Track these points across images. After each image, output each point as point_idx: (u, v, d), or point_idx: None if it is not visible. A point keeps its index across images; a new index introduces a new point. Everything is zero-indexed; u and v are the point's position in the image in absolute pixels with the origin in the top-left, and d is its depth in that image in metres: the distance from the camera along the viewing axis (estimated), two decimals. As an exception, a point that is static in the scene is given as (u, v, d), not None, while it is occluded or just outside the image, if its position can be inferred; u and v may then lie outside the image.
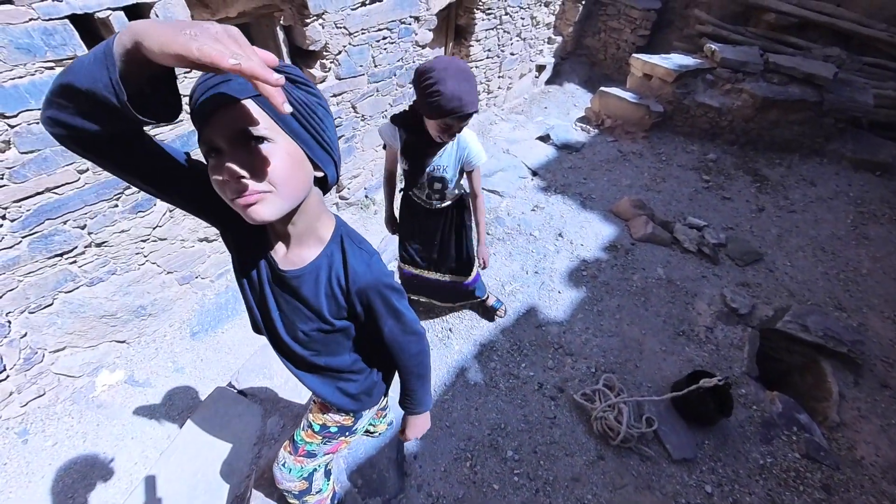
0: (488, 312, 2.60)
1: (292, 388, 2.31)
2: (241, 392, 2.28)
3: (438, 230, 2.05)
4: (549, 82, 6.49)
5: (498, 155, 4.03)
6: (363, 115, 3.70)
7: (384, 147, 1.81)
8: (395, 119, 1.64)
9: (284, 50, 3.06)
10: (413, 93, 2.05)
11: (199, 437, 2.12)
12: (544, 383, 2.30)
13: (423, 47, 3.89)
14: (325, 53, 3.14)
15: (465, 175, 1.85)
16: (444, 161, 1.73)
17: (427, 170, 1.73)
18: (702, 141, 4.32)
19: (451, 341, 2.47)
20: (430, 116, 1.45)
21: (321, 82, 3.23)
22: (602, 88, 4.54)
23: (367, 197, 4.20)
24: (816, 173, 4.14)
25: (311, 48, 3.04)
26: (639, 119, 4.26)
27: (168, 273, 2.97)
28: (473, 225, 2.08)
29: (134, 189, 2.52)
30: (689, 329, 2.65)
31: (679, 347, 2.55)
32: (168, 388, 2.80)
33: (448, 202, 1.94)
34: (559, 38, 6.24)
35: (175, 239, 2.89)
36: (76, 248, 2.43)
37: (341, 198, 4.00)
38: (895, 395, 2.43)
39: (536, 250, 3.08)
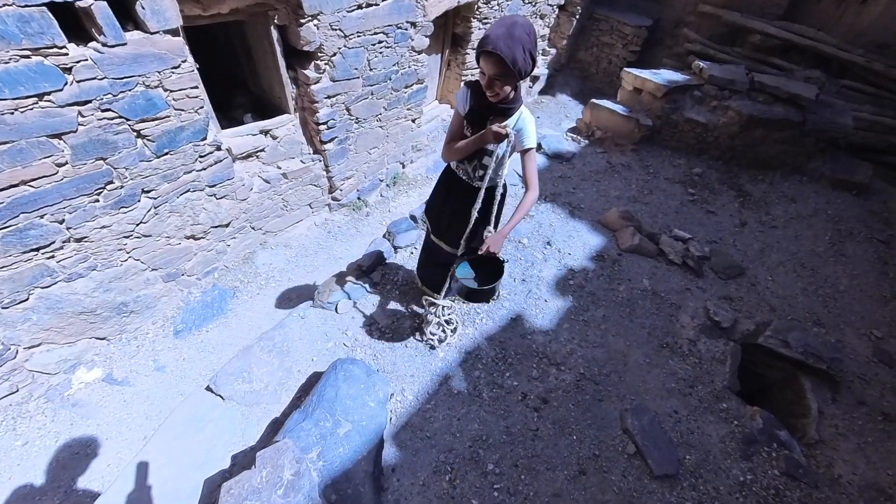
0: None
1: (272, 393, 2.17)
2: (219, 396, 2.14)
3: (471, 208, 1.80)
4: (542, 93, 6.40)
5: (490, 162, 3.91)
6: (357, 118, 3.56)
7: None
8: (470, 82, 1.59)
9: (278, 49, 2.91)
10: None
11: (172, 443, 1.97)
12: (528, 394, 2.19)
13: (419, 53, 3.77)
14: (319, 55, 2.99)
15: (519, 160, 1.70)
16: (503, 146, 1.64)
17: None
18: (688, 155, 4.26)
19: (437, 349, 2.35)
20: (478, 61, 1.43)
21: (315, 83, 3.09)
22: (593, 100, 4.45)
23: (359, 199, 4.06)
24: (797, 191, 4.09)
25: (306, 49, 2.90)
26: (628, 132, 4.18)
27: (152, 270, 2.81)
28: (496, 215, 1.89)
29: (117, 184, 2.36)
30: (673, 341, 2.56)
31: (663, 360, 2.45)
32: (147, 387, 2.64)
33: (488, 184, 1.72)
34: (553, 51, 6.16)
35: (160, 236, 2.73)
36: (54, 242, 2.26)
37: (333, 199, 3.86)
38: (871, 413, 2.36)
39: (525, 258, 2.97)
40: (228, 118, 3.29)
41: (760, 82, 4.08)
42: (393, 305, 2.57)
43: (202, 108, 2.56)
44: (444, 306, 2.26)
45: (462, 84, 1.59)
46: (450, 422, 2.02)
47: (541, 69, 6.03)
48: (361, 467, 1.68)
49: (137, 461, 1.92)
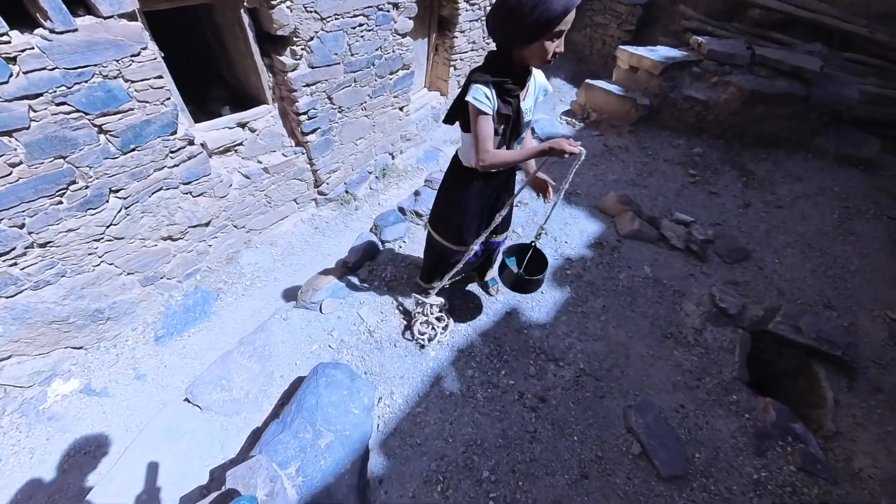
0: (485, 287, 2.45)
1: (253, 401, 2.03)
2: (196, 406, 2.00)
3: (503, 186, 1.76)
4: (535, 77, 6.17)
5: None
6: (340, 107, 3.37)
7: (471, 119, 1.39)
8: (481, 78, 1.33)
9: (251, 34, 2.72)
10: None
11: (147, 458, 1.83)
12: (525, 393, 2.04)
13: (404, 36, 3.56)
14: (295, 39, 2.80)
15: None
16: (529, 103, 1.48)
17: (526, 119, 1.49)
18: (688, 135, 4.06)
19: (427, 347, 2.20)
20: (539, 35, 1.20)
21: (292, 70, 2.90)
22: (588, 81, 4.25)
23: (347, 192, 3.88)
24: (802, 169, 3.90)
25: (280, 33, 2.70)
26: (625, 113, 3.98)
27: (128, 274, 2.65)
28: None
29: (81, 184, 2.20)
30: (678, 331, 2.41)
31: (667, 352, 2.30)
32: (128, 397, 2.50)
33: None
34: (545, 33, 5.91)
35: (134, 238, 2.57)
36: (14, 249, 2.10)
37: (320, 193, 3.68)
38: (889, 400, 2.21)
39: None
40: (206, 112, 3.10)
41: (762, 56, 3.86)
42: (381, 303, 2.41)
43: (169, 99, 2.37)
44: (432, 304, 2.11)
45: (474, 86, 1.32)
46: (442, 426, 1.87)
47: (533, 53, 5.80)
48: (345, 481, 1.53)
49: (109, 478, 1.78)
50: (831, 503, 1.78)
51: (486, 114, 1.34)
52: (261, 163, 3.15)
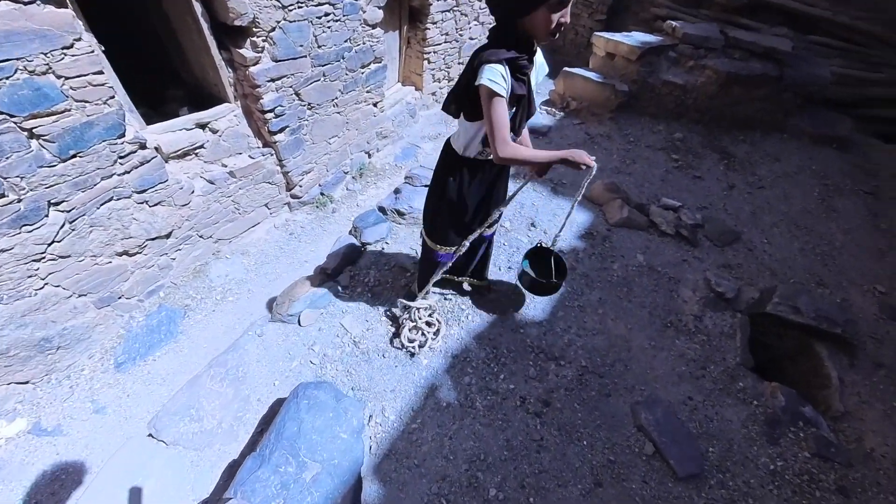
0: (478, 287, 2.28)
1: (227, 430, 1.80)
2: (161, 441, 1.76)
3: (499, 174, 1.60)
4: (510, 70, 6.06)
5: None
6: (310, 104, 3.15)
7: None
8: (492, 56, 1.16)
9: (205, 25, 2.47)
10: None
11: (103, 507, 1.58)
12: (527, 397, 1.89)
13: (374, 27, 3.36)
14: (255, 30, 2.56)
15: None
16: (534, 81, 1.34)
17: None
18: (668, 120, 4.02)
19: (418, 355, 2.03)
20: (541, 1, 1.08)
21: (254, 64, 2.66)
22: (566, 69, 4.15)
23: (322, 194, 3.65)
24: (779, 149, 3.92)
25: (238, 23, 2.46)
26: (604, 100, 3.90)
27: (80, 296, 2.36)
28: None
29: (12, 197, 1.91)
30: (677, 319, 2.32)
31: (668, 341, 2.20)
32: (86, 434, 2.21)
33: None
34: (518, 24, 5.81)
35: (83, 255, 2.29)
36: (-68, 276, 1.80)
37: (293, 197, 3.44)
38: (890, 375, 2.18)
39: (509, 243, 2.66)
40: (162, 114, 2.82)
41: (735, 38, 3.85)
42: (366, 310, 2.22)
43: (113, 98, 2.11)
44: (419, 308, 1.93)
45: (488, 66, 1.16)
46: (440, 442, 1.70)
47: (507, 44, 5.68)
48: (335, 517, 1.34)
49: (60, 536, 1.53)
50: (849, 488, 1.71)
51: (502, 97, 1.17)
52: (225, 166, 2.90)
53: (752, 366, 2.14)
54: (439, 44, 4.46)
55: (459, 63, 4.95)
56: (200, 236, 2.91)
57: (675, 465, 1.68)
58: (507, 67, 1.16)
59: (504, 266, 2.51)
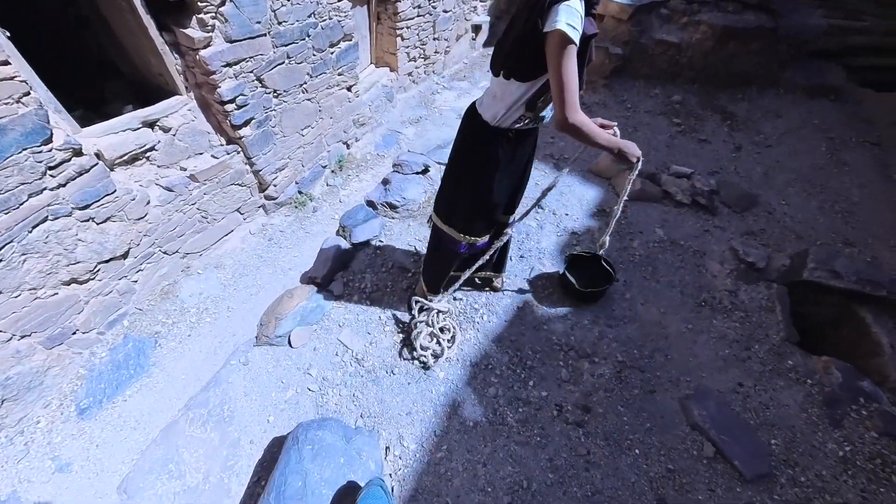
0: (488, 281, 2.00)
1: (216, 484, 1.50)
2: (135, 508, 1.44)
3: (533, 148, 1.43)
4: (486, 44, 5.69)
5: (449, 123, 3.24)
6: (276, 91, 2.75)
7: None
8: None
9: (139, 3, 2.05)
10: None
11: None
12: (563, 404, 1.64)
13: (340, 0, 2.96)
14: (201, 5, 2.15)
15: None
16: None
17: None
18: (663, 83, 3.77)
19: (433, 367, 1.75)
20: None
21: (204, 47, 2.26)
22: (552, 37, 3.83)
23: (300, 192, 3.28)
24: (777, 104, 3.73)
25: (178, -3, 2.06)
26: (598, 65, 3.62)
27: (22, 337, 1.97)
28: None
29: None
30: (710, 297, 2.10)
31: (705, 322, 1.99)
32: (48, 497, 1.87)
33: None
34: (492, -6, 5.42)
35: (19, 290, 1.90)
36: None
37: (268, 198, 3.07)
38: (937, 334, 2.02)
39: (517, 230, 2.37)
40: (105, 115, 2.39)
41: (727, -11, 3.61)
42: (366, 321, 1.92)
43: (29, 94, 1.70)
44: (438, 311, 1.65)
45: (565, 5, 0.89)
46: (474, 471, 1.44)
47: (482, 17, 5.30)
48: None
49: None
50: (926, 468, 1.53)
51: (576, 45, 0.91)
52: (185, 170, 2.50)
53: (797, 340, 1.94)
54: (412, 18, 4.06)
55: (435, 39, 4.57)
56: (165, 252, 2.53)
57: (741, 467, 1.47)
58: (583, 3, 0.87)
59: (515, 256, 2.23)
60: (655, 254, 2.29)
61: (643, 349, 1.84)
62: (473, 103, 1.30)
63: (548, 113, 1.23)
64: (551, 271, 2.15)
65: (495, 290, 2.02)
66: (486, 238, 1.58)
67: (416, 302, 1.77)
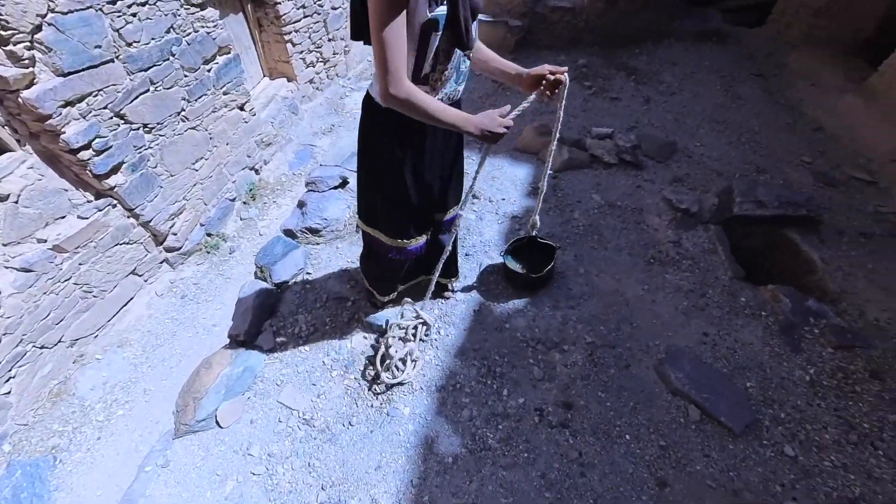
0: (443, 288, 1.82)
1: None
2: None
3: (451, 137, 1.22)
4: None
5: (362, 126, 2.95)
6: (145, 125, 2.30)
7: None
8: None
9: None
10: None
11: None
12: (543, 406, 1.50)
13: (201, 7, 2.54)
14: (4, 34, 1.68)
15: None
16: None
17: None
18: (567, 49, 3.77)
19: (395, 404, 1.52)
20: None
21: (28, 86, 1.79)
22: (449, 19, 3.66)
23: (209, 235, 2.84)
24: (672, 53, 3.89)
25: (-34, 28, 1.58)
26: (501, 39, 3.52)
27: None
28: None
29: None
30: (657, 252, 2.07)
31: (659, 279, 1.94)
32: None
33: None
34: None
35: None
36: None
37: (169, 250, 2.60)
38: (853, 239, 2.16)
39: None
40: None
41: (605, -51, 3.65)
42: (308, 371, 1.64)
43: None
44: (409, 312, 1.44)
45: None
46: (463, 515, 1.25)
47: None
48: None
49: None
50: (880, 371, 1.59)
51: (399, 4, 0.73)
52: (44, 241, 2.01)
53: (743, 276, 1.96)
54: (298, 20, 3.68)
55: (330, 40, 4.21)
56: (42, 346, 2.03)
57: (728, 422, 1.41)
58: None
59: (460, 254, 2.04)
60: (597, 220, 2.23)
61: (608, 323, 1.75)
62: (370, 85, 1.07)
63: (451, 84, 1.04)
64: (500, 263, 2.00)
65: (446, 298, 1.83)
66: (421, 241, 1.39)
67: (408, 303, 1.67)
